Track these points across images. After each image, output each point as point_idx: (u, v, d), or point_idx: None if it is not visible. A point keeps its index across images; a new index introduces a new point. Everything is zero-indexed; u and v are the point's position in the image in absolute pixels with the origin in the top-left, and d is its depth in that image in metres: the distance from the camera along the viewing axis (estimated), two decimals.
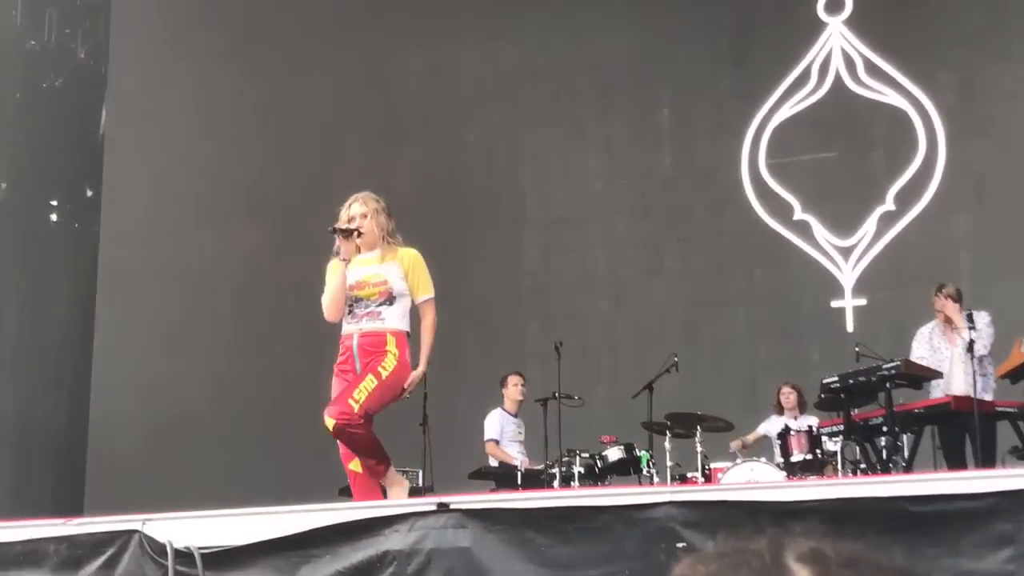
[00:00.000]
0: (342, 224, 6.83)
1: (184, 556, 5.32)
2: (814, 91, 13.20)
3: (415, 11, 14.30)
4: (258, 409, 13.39)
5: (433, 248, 13.41)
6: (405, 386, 6.83)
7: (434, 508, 5.03)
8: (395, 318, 6.84)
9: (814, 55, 13.25)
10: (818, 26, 13.30)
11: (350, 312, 6.84)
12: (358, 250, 6.84)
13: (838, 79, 13.15)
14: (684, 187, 13.42)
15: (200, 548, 5.32)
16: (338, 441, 6.83)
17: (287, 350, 13.41)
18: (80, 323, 14.50)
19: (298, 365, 13.30)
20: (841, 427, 9.25)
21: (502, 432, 10.98)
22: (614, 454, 10.09)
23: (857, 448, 9.02)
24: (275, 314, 13.71)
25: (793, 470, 9.44)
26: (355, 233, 6.78)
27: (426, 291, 6.97)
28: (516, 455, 10.82)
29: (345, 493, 9.78)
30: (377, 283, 6.80)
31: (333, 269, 6.89)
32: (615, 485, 9.81)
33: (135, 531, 5.48)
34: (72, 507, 12.28)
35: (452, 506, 4.99)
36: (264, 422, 13.35)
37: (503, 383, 11.22)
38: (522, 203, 13.95)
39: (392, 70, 14.33)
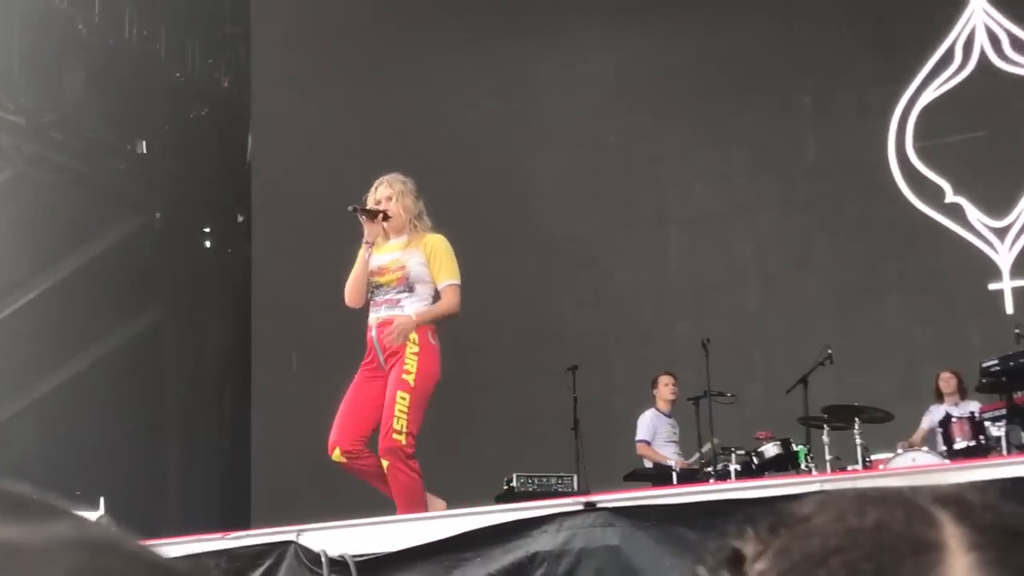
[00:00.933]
0: (369, 206, 6.60)
1: (338, 564, 5.39)
2: (959, 70, 12.88)
3: (547, 17, 14.32)
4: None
5: (577, 252, 13.50)
6: (395, 335, 6.51)
7: (581, 507, 5.01)
8: (415, 306, 6.57)
9: (957, 34, 12.93)
10: (960, 4, 12.98)
11: (372, 300, 6.62)
12: (386, 235, 6.63)
13: (983, 57, 12.81)
14: (830, 176, 13.20)
15: (354, 556, 5.39)
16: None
17: (444, 366, 13.52)
18: (238, 345, 14.82)
19: (452, 373, 13.38)
20: (1004, 411, 9.00)
21: (655, 433, 10.91)
22: (771, 450, 9.94)
23: (1022, 432, 8.76)
24: None
25: (956, 458, 9.19)
26: (379, 215, 6.54)
27: (448, 276, 6.64)
28: (671, 455, 10.73)
29: (503, 499, 9.84)
30: (396, 269, 6.56)
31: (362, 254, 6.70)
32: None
33: (290, 542, 5.57)
34: (239, 524, 12.54)
35: (599, 505, 4.97)
36: (424, 432, 13.44)
37: (654, 384, 11.16)
38: (664, 202, 13.86)
39: (528, 76, 14.36)
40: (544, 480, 10.58)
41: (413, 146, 14.42)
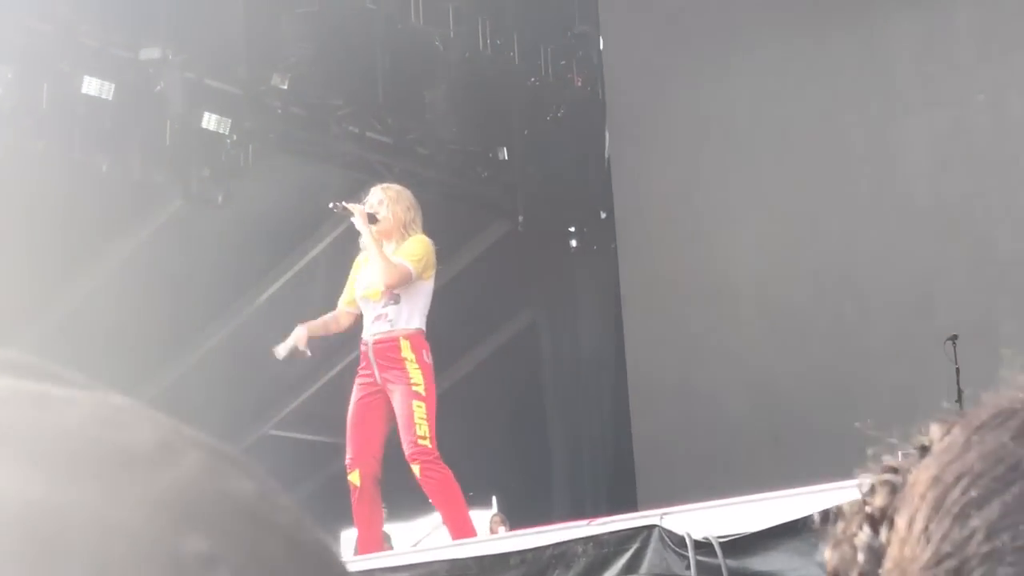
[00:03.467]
0: (347, 206, 6.57)
1: (704, 546, 5.32)
2: None
3: None
4: (791, 405, 13.27)
5: (950, 218, 12.90)
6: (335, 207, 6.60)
7: None
8: (404, 317, 6.39)
9: None
10: None
11: (365, 318, 6.50)
12: (379, 243, 6.51)
13: None
14: None
15: (718, 537, 5.31)
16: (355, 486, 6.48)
17: (816, 343, 13.27)
18: (611, 338, 15.01)
19: (826, 357, 13.09)
20: None
21: None
22: None
23: None
24: (800, 310, 13.59)
25: None
26: (351, 214, 6.50)
27: (407, 257, 6.40)
28: None
29: None
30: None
31: (356, 267, 6.68)
32: None
33: (654, 526, 5.55)
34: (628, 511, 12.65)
35: None
36: (803, 412, 13.23)
37: None
38: None
39: (887, 42, 13.86)
40: None
41: (769, 126, 14.20)
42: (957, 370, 10.06)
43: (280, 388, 15.01)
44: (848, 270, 13.42)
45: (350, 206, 6.61)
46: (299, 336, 6.72)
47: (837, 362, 13.03)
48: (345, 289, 6.83)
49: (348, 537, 15.69)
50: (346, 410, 6.82)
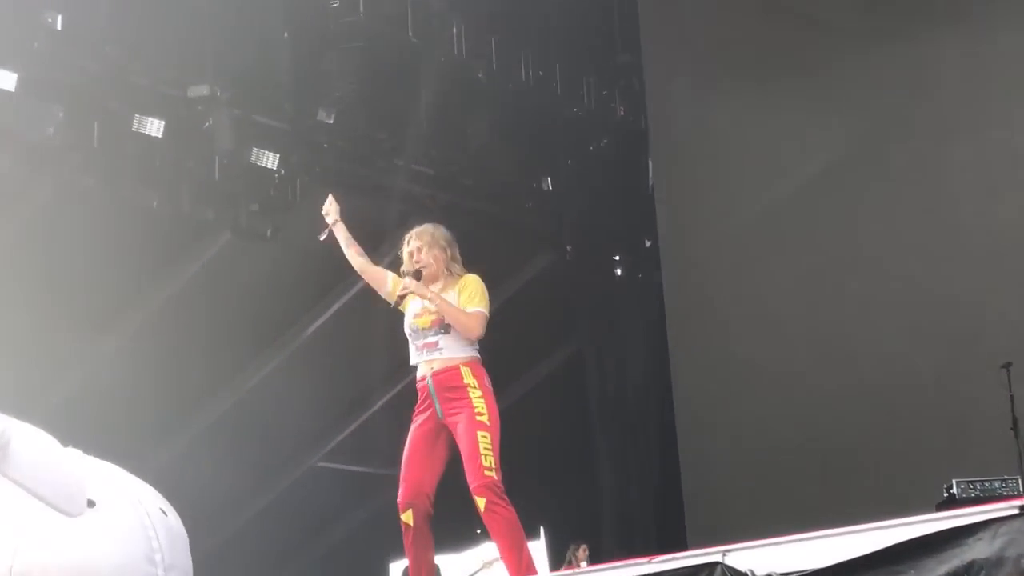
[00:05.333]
0: (406, 283, 6.56)
1: None
2: None
3: (947, 3, 13.73)
4: (840, 434, 13.17)
5: (1003, 242, 12.79)
6: (400, 293, 6.52)
7: (1016, 512, 4.73)
8: (455, 346, 6.40)
9: None
10: None
11: (414, 345, 6.51)
12: (426, 283, 6.60)
13: None
14: None
15: (782, 574, 5.28)
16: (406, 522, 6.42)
17: (864, 371, 13.18)
18: (657, 367, 14.97)
19: (875, 385, 13.00)
20: None
21: None
22: None
23: None
24: (848, 337, 13.51)
25: None
26: (407, 289, 6.55)
27: (476, 303, 6.43)
28: None
29: (944, 506, 9.45)
30: (433, 311, 6.43)
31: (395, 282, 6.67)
32: None
33: (717, 563, 5.52)
34: (675, 545, 12.60)
35: None
36: (852, 443, 13.12)
37: None
38: None
39: (932, 70, 13.79)
40: (987, 484, 10.11)
41: (813, 152, 14.15)
42: (1011, 397, 9.97)
43: (328, 420, 15.05)
44: (897, 296, 13.33)
45: (409, 282, 6.63)
46: (335, 212, 6.83)
47: (886, 390, 12.94)
48: (389, 277, 6.79)
49: (396, 569, 15.70)
50: (392, 441, 6.79)
